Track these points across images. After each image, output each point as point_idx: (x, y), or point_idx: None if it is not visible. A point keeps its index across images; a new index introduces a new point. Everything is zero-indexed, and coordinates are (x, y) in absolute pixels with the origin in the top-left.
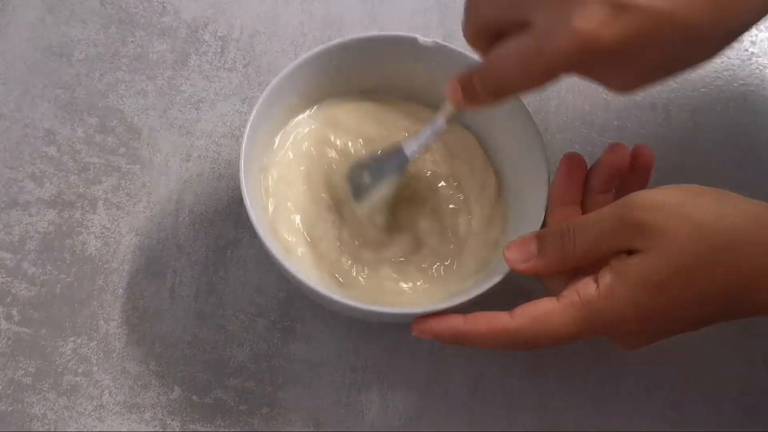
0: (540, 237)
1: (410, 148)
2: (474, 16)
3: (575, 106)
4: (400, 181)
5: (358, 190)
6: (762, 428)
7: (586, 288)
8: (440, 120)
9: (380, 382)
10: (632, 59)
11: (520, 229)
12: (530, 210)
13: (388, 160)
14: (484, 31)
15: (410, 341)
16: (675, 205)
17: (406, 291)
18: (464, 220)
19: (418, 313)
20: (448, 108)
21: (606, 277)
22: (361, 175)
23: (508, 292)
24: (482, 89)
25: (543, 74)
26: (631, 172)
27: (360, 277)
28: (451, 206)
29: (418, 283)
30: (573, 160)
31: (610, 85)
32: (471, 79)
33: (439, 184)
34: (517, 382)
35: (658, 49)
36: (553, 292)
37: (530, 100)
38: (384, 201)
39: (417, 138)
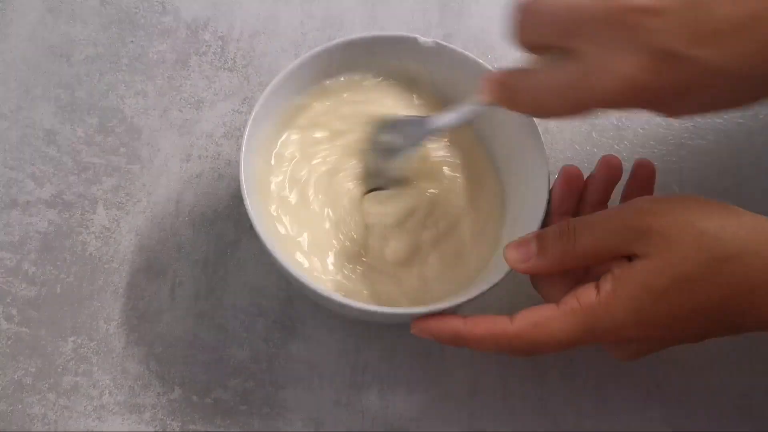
0: (540, 236)
1: (435, 124)
2: (522, 34)
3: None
4: (412, 155)
5: (376, 146)
6: (762, 428)
7: (587, 294)
8: (471, 107)
9: (380, 382)
10: (674, 102)
11: (519, 229)
12: (530, 210)
13: (410, 127)
14: (530, 46)
15: (410, 341)
16: (679, 213)
17: (405, 291)
18: (464, 220)
19: (418, 313)
20: (483, 99)
21: (607, 284)
22: (382, 133)
23: (508, 293)
24: (521, 104)
25: (580, 108)
26: (634, 183)
27: (360, 277)
28: (450, 205)
29: (418, 283)
30: (570, 172)
31: (655, 113)
32: (514, 83)
33: (440, 182)
34: (517, 382)
35: (703, 95)
36: (551, 301)
37: None
38: (397, 164)
39: (444, 116)
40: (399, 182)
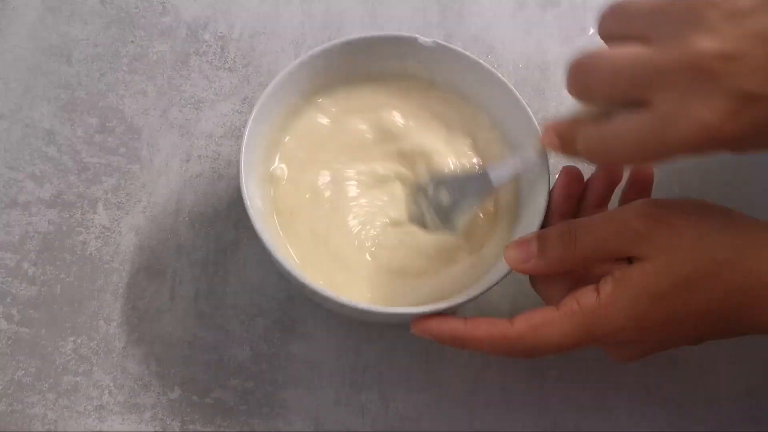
0: (540, 237)
1: (497, 175)
2: (586, 88)
3: (576, 106)
4: (478, 206)
5: (438, 209)
6: (762, 428)
7: (587, 297)
8: (533, 155)
9: (380, 382)
10: (749, 141)
11: (519, 229)
12: (530, 210)
13: (471, 183)
14: (594, 100)
15: (410, 341)
16: (679, 216)
17: (405, 291)
18: (464, 220)
19: (418, 313)
20: (540, 147)
21: (607, 286)
22: (439, 193)
23: (508, 293)
24: (586, 153)
25: (657, 156)
26: (633, 186)
27: (361, 276)
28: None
29: (418, 283)
30: (571, 174)
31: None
32: (573, 132)
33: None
34: (517, 382)
35: None
36: (550, 302)
37: (530, 100)
38: (461, 221)
39: (504, 166)
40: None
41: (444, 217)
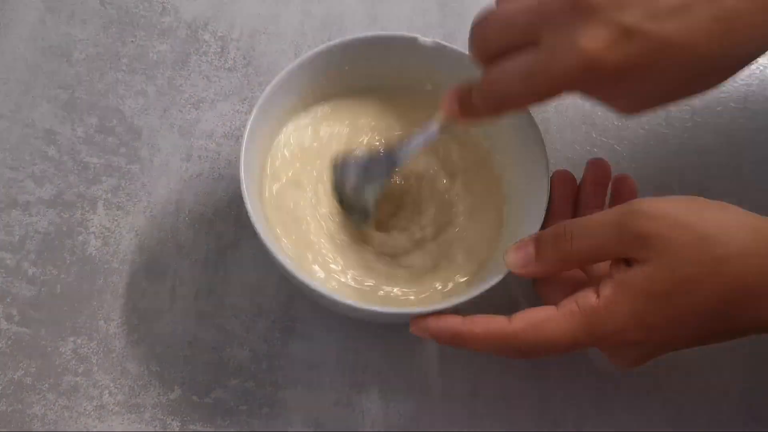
0: (538, 240)
1: (400, 153)
2: (486, 41)
3: (576, 106)
4: (385, 186)
5: (343, 192)
6: (762, 428)
7: (586, 298)
8: (433, 128)
9: (380, 382)
10: (636, 84)
11: (519, 230)
12: (530, 211)
13: (375, 164)
14: (493, 53)
15: (410, 341)
16: (678, 215)
17: (405, 291)
18: (463, 220)
19: (418, 313)
20: (441, 118)
21: (607, 289)
22: (346, 176)
23: (508, 293)
24: (482, 103)
25: (546, 90)
26: (617, 196)
27: (360, 276)
28: (449, 205)
29: (417, 283)
30: (563, 176)
31: (615, 108)
32: (470, 92)
33: (439, 183)
34: (517, 382)
35: (663, 76)
36: (550, 304)
37: None
38: (372, 203)
39: (408, 143)
40: (369, 211)
41: (355, 200)
